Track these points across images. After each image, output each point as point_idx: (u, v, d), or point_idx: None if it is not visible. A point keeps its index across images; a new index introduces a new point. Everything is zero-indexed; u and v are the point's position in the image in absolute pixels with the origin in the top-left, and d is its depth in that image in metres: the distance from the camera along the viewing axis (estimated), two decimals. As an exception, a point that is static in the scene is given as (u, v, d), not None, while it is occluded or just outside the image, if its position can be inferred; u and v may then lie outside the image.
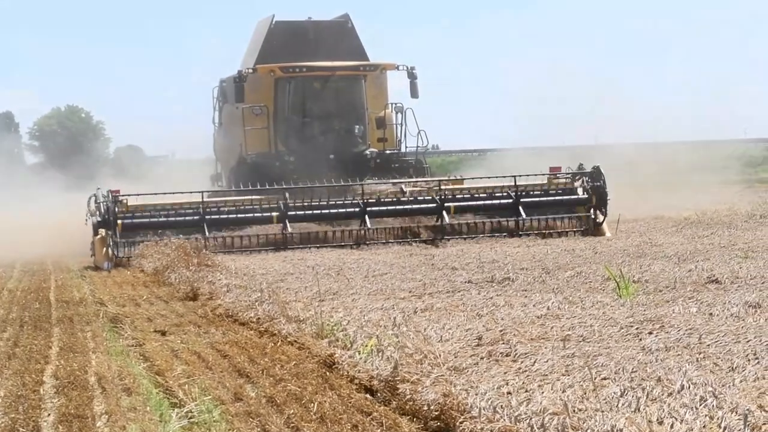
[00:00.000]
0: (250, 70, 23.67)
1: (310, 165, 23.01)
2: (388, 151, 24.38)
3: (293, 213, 20.70)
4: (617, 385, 6.86)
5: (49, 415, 7.62)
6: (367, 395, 7.78)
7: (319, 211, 20.99)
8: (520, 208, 21.35)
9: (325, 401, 7.53)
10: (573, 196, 22.07)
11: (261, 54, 24.40)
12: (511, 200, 21.45)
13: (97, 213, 20.26)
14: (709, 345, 8.22)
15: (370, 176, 23.18)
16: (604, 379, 7.16)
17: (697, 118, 45.62)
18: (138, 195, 20.54)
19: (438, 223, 21.03)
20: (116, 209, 19.99)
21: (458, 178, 22.99)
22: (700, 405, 6.37)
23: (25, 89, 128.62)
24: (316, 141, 23.88)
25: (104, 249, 19.85)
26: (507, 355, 8.15)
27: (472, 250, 18.52)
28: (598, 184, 21.63)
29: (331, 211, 21.06)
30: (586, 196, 21.81)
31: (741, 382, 6.96)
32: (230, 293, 13.31)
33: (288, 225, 20.50)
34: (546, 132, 35.89)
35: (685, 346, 8.25)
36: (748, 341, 8.23)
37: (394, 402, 7.41)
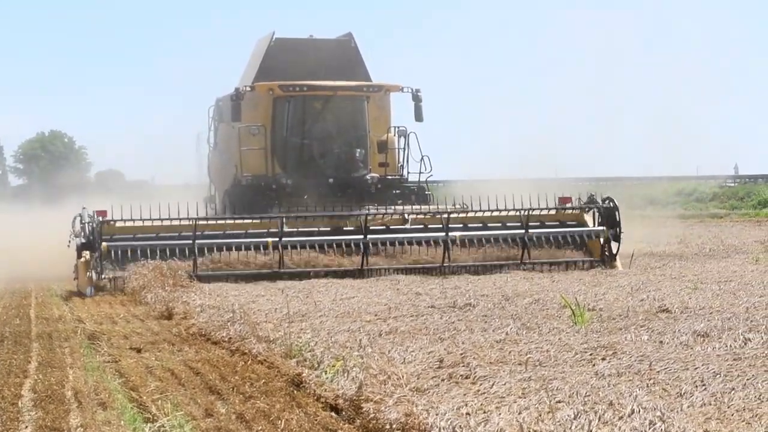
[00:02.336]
0: (248, 88, 22.24)
1: (309, 189, 21.78)
2: (389, 177, 22.85)
3: (290, 239, 19.49)
4: (571, 408, 7.03)
5: (26, 427, 7.74)
6: (333, 413, 7.93)
7: (317, 238, 19.74)
8: (527, 239, 20.17)
9: (292, 418, 7.69)
10: (585, 228, 20.84)
11: (260, 72, 22.94)
12: (521, 231, 20.25)
13: (82, 234, 18.94)
14: (659, 371, 8.38)
15: (371, 203, 21.77)
16: (559, 402, 7.31)
17: (653, 155, 46.03)
18: (127, 220, 19.06)
19: (443, 253, 19.82)
20: (102, 231, 18.73)
21: (463, 207, 21.52)
22: (650, 429, 6.56)
23: (10, 113, 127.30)
24: (315, 164, 22.42)
25: (87, 273, 18.62)
26: (467, 378, 8.30)
27: (435, 277, 18.61)
28: (612, 216, 20.61)
29: (331, 237, 19.86)
30: (600, 228, 20.69)
31: (689, 407, 7.14)
32: (203, 313, 13.52)
33: (284, 252, 19.28)
34: (508, 165, 35.54)
35: (636, 372, 8.43)
36: (696, 368, 8.41)
37: (358, 420, 7.55)
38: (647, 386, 7.86)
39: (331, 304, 14.38)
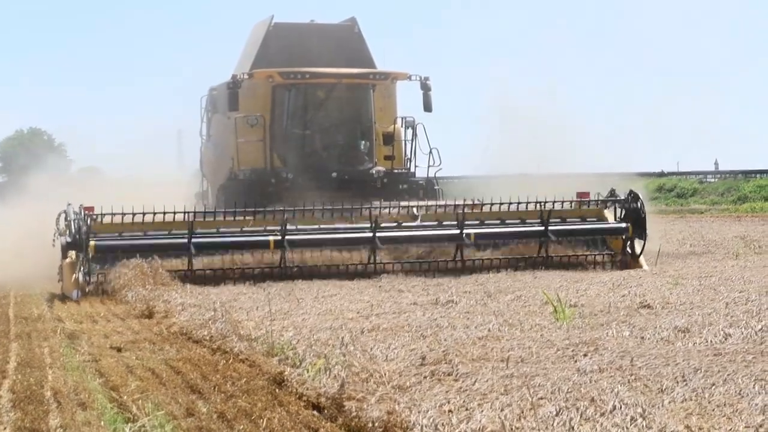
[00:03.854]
0: (246, 75, 20.97)
1: (310, 183, 20.65)
2: (396, 171, 21.79)
3: (293, 238, 18.15)
4: (553, 405, 7.05)
5: (5, 428, 7.67)
6: (315, 412, 7.90)
7: (323, 236, 18.44)
8: (550, 236, 18.95)
9: (274, 417, 7.67)
10: (608, 225, 19.61)
11: (257, 58, 21.81)
12: (541, 228, 18.95)
13: (67, 233, 17.52)
14: (640, 367, 8.41)
15: (377, 198, 20.40)
16: (541, 398, 7.32)
17: (633, 151, 46.13)
18: (118, 214, 17.64)
19: (457, 251, 18.67)
20: (90, 228, 17.30)
21: (476, 202, 20.04)
22: (631, 425, 6.58)
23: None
24: (317, 156, 21.36)
25: (73, 275, 17.18)
26: (449, 375, 8.32)
27: (416, 274, 18.40)
28: (636, 210, 19.40)
29: (337, 236, 18.53)
30: (623, 225, 19.43)
31: (669, 403, 7.15)
32: (185, 312, 13.47)
33: (287, 251, 18.05)
34: (491, 160, 35.39)
35: (618, 368, 8.45)
36: (677, 364, 8.44)
37: (340, 419, 7.54)
38: (628, 382, 7.87)
39: (313, 301, 14.36)
